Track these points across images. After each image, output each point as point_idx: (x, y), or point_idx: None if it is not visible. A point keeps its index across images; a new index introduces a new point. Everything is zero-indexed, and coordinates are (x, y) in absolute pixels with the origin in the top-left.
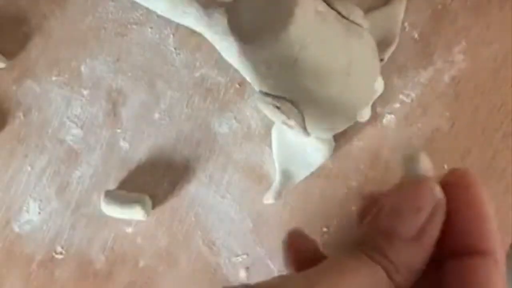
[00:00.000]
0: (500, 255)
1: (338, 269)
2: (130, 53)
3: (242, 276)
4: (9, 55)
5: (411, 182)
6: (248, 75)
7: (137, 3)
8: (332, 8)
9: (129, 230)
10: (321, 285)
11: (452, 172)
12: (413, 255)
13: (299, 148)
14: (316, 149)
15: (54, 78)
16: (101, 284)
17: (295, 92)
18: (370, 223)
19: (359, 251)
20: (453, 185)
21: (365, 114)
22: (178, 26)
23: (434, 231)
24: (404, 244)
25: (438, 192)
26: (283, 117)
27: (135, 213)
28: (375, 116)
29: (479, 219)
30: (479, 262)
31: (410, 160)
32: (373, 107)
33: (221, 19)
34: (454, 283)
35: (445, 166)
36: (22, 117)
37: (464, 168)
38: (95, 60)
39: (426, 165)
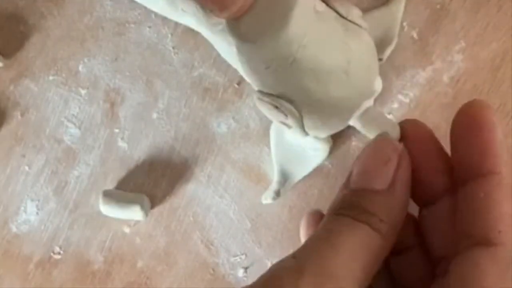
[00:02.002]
0: (505, 174)
1: (325, 240)
2: (128, 53)
3: (241, 276)
4: (7, 54)
5: (374, 141)
6: (246, 74)
7: (135, 2)
8: (331, 7)
9: (127, 230)
10: (312, 262)
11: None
12: (391, 205)
13: (298, 147)
14: (314, 149)
15: (51, 78)
16: (99, 284)
17: (293, 92)
18: (344, 187)
19: (340, 215)
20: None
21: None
22: (176, 25)
23: (404, 178)
24: (380, 196)
25: (398, 144)
26: (282, 117)
27: (134, 213)
28: None
29: (480, 145)
30: (480, 184)
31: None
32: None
33: (220, 18)
34: (464, 208)
35: None
36: (19, 117)
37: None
38: (93, 59)
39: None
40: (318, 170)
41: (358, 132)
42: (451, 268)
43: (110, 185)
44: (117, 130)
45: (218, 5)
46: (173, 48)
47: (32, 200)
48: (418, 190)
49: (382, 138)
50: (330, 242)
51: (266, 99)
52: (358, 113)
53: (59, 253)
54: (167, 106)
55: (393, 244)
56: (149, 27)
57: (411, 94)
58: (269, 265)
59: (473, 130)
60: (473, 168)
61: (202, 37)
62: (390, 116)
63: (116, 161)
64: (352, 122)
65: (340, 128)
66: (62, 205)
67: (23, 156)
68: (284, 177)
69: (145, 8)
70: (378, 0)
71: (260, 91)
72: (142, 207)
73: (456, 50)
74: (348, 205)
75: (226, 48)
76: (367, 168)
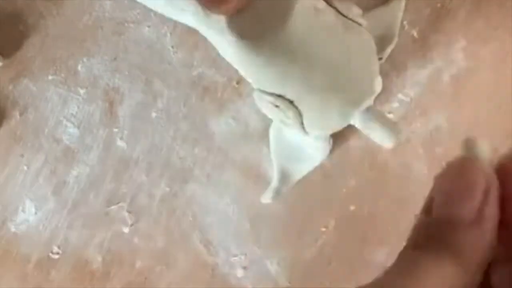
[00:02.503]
0: None
1: (408, 276)
2: (127, 52)
3: (240, 276)
4: (6, 54)
5: (458, 162)
6: (246, 73)
7: (134, 1)
8: (331, 6)
9: (126, 230)
10: None
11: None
12: (479, 240)
13: (297, 147)
14: (314, 148)
15: (50, 77)
16: (97, 284)
17: (293, 90)
18: (424, 214)
19: (424, 249)
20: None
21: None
22: (175, 24)
23: (492, 211)
24: (468, 230)
25: (487, 168)
26: (281, 116)
27: None
28: None
29: None
30: None
31: (469, 144)
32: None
33: (219, 17)
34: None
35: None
36: (18, 116)
37: None
38: (92, 59)
39: (483, 151)
40: (318, 170)
41: (358, 131)
42: None
43: (109, 184)
44: (116, 130)
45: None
46: (172, 47)
47: (30, 200)
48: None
49: (468, 160)
50: (413, 277)
51: (265, 98)
52: (358, 112)
53: (57, 253)
54: (166, 106)
55: (477, 284)
56: (148, 26)
57: (412, 93)
58: (268, 265)
59: None
60: None
61: (202, 36)
62: (390, 116)
63: (115, 161)
64: (352, 121)
65: (340, 127)
66: (60, 205)
67: (22, 155)
68: (284, 176)
69: (144, 7)
70: None
71: (259, 90)
72: None
73: (456, 49)
74: (431, 238)
75: (225, 47)
76: (452, 196)
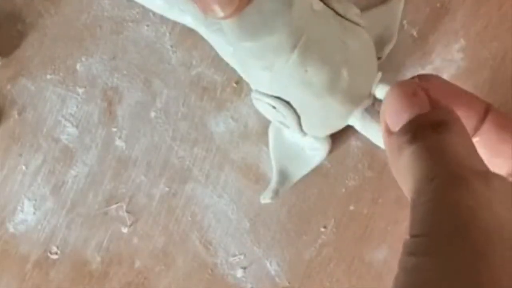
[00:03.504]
0: None
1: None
2: (126, 51)
3: (240, 276)
4: (4, 53)
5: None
6: (244, 73)
7: (133, 0)
8: (329, 6)
9: (125, 230)
10: None
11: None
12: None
13: (296, 147)
14: (313, 148)
15: (49, 77)
16: (96, 284)
17: (290, 91)
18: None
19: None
20: None
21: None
22: (174, 24)
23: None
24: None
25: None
26: (279, 117)
27: None
28: None
29: None
30: None
31: None
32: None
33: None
34: None
35: None
36: (16, 116)
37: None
38: (90, 58)
39: None
40: (317, 170)
41: (357, 131)
42: None
43: (108, 184)
44: (115, 129)
45: (219, 5)
46: (171, 46)
47: (29, 200)
48: None
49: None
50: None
51: (264, 98)
52: (357, 112)
53: (56, 253)
54: (165, 105)
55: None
56: (147, 25)
57: None
58: (268, 265)
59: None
60: None
61: (200, 35)
62: None
63: (114, 161)
64: (351, 121)
65: (339, 127)
66: (59, 205)
67: (20, 155)
68: (283, 176)
69: (143, 7)
70: None
71: (258, 91)
72: None
73: (456, 49)
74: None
75: (224, 47)
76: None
